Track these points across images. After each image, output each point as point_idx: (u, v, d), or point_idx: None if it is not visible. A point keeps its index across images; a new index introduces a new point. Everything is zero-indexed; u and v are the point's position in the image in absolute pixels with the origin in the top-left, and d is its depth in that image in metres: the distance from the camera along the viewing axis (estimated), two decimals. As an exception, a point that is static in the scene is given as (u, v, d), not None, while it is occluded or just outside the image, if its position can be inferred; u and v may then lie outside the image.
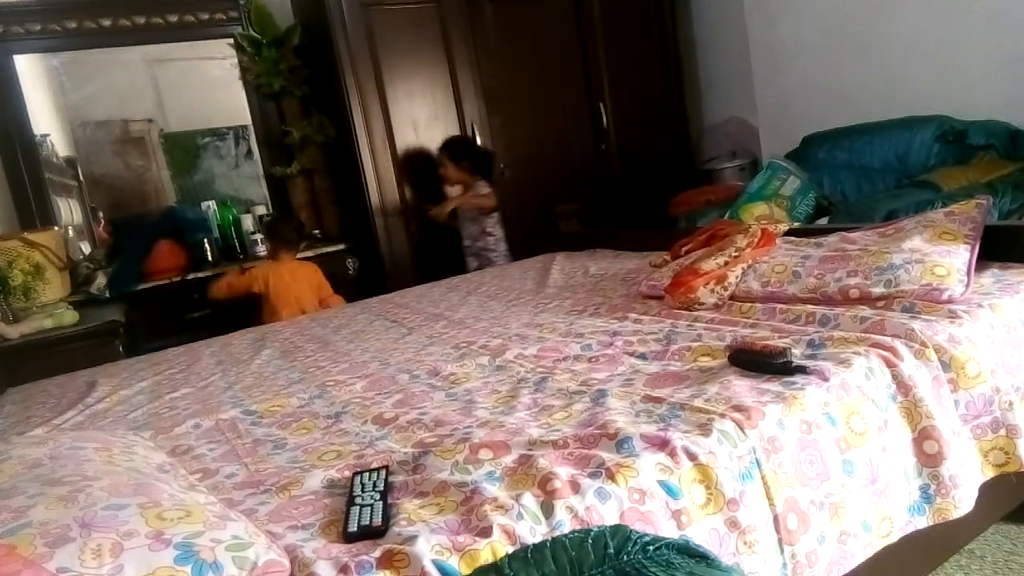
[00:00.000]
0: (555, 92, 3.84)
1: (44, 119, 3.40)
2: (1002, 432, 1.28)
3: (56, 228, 3.15)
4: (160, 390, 1.83)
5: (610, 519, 0.91)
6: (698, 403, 1.14)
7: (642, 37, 4.05)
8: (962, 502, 1.19)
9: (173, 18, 3.54)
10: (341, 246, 3.55)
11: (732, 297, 1.74)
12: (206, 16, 3.59)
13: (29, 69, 3.34)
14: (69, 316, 2.69)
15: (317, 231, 3.66)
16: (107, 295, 3.02)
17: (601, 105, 3.95)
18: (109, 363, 2.34)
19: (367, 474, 1.04)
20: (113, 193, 3.59)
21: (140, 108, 3.65)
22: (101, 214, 3.56)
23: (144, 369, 2.11)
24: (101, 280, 3.05)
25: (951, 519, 1.19)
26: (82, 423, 1.63)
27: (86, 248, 3.44)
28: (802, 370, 1.20)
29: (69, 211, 3.45)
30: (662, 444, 1.02)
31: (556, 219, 3.18)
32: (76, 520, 0.81)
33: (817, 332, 1.40)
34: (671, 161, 4.19)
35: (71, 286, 3.03)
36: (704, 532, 0.96)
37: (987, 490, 1.26)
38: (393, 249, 3.45)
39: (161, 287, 3.16)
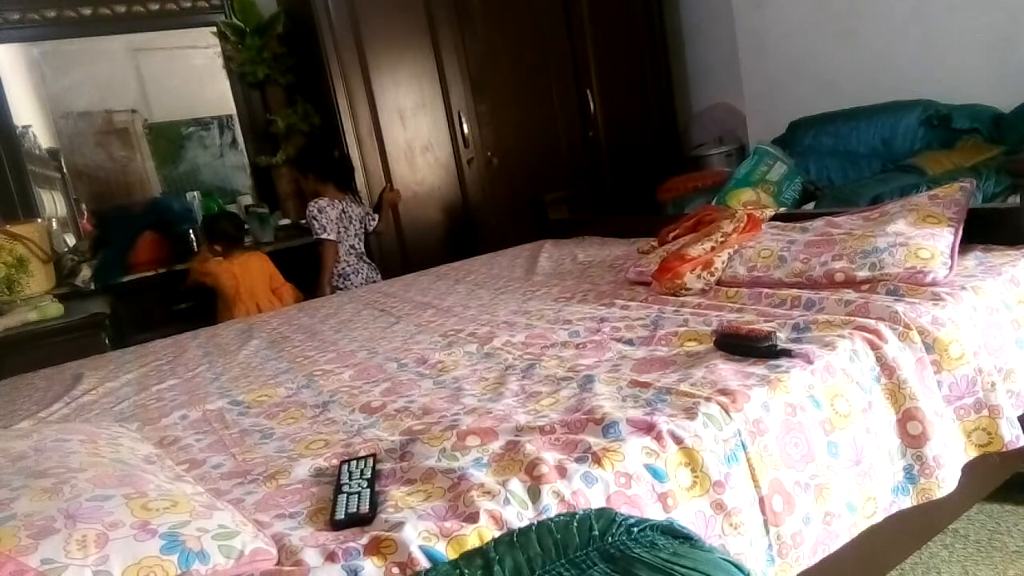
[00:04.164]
0: (542, 79, 3.83)
1: (25, 110, 3.36)
2: (985, 413, 1.29)
3: (39, 220, 3.12)
4: (146, 382, 1.82)
5: (596, 503, 0.92)
6: (684, 387, 1.14)
7: (629, 23, 4.04)
8: (945, 482, 1.20)
9: (155, 6, 3.50)
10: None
11: (718, 282, 1.74)
12: (188, 4, 3.56)
13: (9, 59, 3.30)
14: (54, 309, 2.67)
15: (304, 220, 3.65)
16: (92, 287, 3.00)
17: (588, 92, 3.94)
18: (95, 355, 2.32)
19: (354, 462, 1.04)
20: (97, 184, 3.56)
21: (123, 98, 3.61)
22: (85, 206, 3.53)
23: (130, 361, 2.10)
24: (86, 272, 3.03)
25: (935, 499, 1.20)
26: (68, 416, 1.62)
27: (70, 240, 3.41)
28: (787, 353, 1.21)
29: (52, 203, 3.42)
30: (648, 428, 1.02)
31: (544, 207, 3.18)
32: (61, 512, 0.81)
33: (802, 316, 1.40)
34: (659, 148, 4.19)
35: (55, 279, 3.00)
36: (690, 515, 0.97)
37: (970, 470, 1.28)
38: (381, 238, 3.44)
39: (147, 279, 3.14)
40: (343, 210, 3.14)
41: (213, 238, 3.09)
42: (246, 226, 3.44)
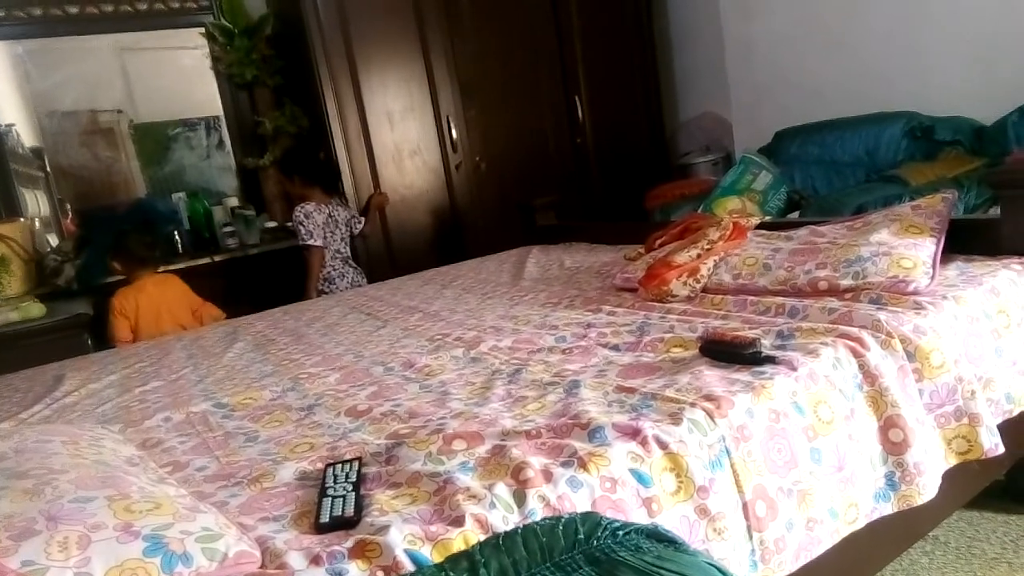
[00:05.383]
0: (531, 85, 3.84)
1: (9, 108, 3.33)
2: (965, 421, 1.31)
3: (22, 220, 3.09)
4: (129, 384, 1.81)
5: (582, 507, 0.92)
6: (669, 393, 1.15)
7: (618, 31, 4.07)
8: (926, 489, 1.22)
9: (143, 6, 3.48)
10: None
11: (704, 289, 1.75)
12: (176, 4, 3.54)
13: (-7, 57, 3.27)
14: (36, 309, 2.64)
15: (290, 223, 3.64)
16: (75, 288, 2.96)
17: (577, 99, 3.96)
18: (77, 356, 2.30)
19: (340, 465, 1.04)
20: (81, 184, 3.52)
21: (109, 98, 3.58)
22: (68, 206, 3.50)
23: (113, 363, 2.08)
24: (69, 273, 2.99)
25: (915, 506, 1.21)
26: (49, 417, 1.61)
27: (53, 240, 3.37)
28: (771, 360, 1.22)
29: (36, 202, 3.38)
30: (633, 433, 1.03)
31: (532, 211, 3.19)
32: (42, 513, 0.80)
33: (786, 323, 1.42)
34: (646, 155, 4.21)
35: (38, 279, 2.97)
36: (674, 519, 0.97)
37: (950, 477, 1.29)
38: (368, 242, 3.43)
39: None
40: (329, 214, 3.14)
41: (116, 255, 2.80)
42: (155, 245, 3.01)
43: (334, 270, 3.16)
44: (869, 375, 1.24)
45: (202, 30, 3.58)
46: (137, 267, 2.82)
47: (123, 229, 2.87)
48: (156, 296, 2.79)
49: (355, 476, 1.00)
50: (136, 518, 0.82)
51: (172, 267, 3.14)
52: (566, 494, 0.92)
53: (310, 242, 3.04)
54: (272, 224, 3.64)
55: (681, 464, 1.01)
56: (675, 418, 1.06)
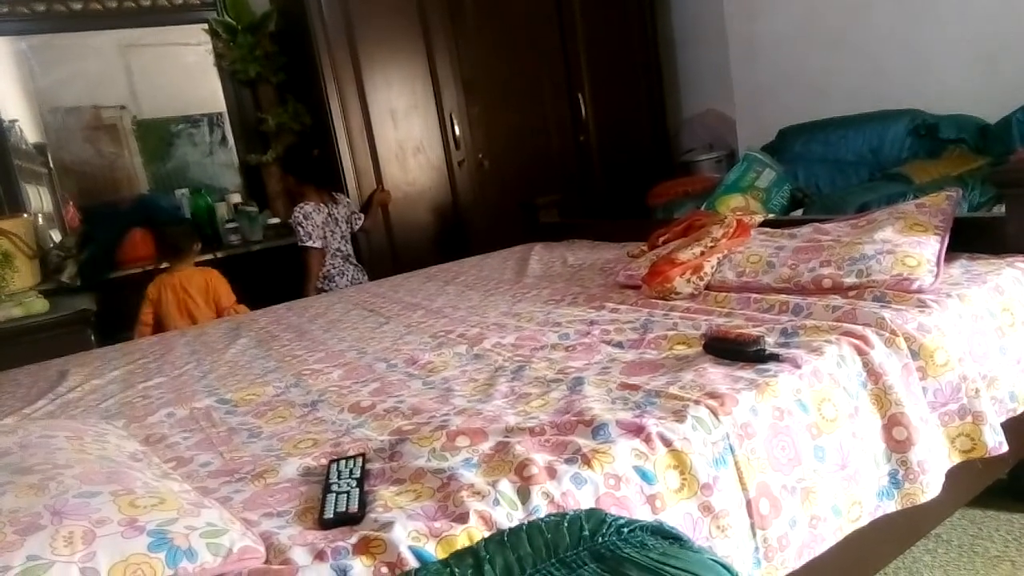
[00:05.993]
0: (535, 83, 3.83)
1: (12, 104, 3.33)
2: (968, 419, 1.31)
3: (25, 215, 3.09)
4: (133, 379, 1.81)
5: (586, 504, 0.92)
6: (673, 390, 1.15)
7: (621, 28, 4.06)
8: (929, 487, 1.22)
9: (146, 2, 3.49)
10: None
11: (708, 287, 1.75)
12: (180, 0, 3.54)
13: (-3, 53, 3.27)
14: (39, 305, 2.65)
15: (291, 220, 3.64)
16: (78, 284, 2.97)
17: (580, 96, 3.96)
18: (81, 352, 2.31)
19: (343, 461, 1.04)
20: (84, 180, 3.53)
21: (112, 94, 3.58)
22: (72, 201, 3.50)
23: (116, 358, 2.09)
24: (72, 268, 3.00)
25: (919, 504, 1.21)
26: (53, 412, 1.61)
27: (56, 236, 3.38)
28: (775, 358, 1.22)
29: (39, 198, 3.38)
30: (637, 430, 1.03)
31: (535, 209, 3.18)
32: (47, 508, 0.80)
33: (790, 321, 1.41)
34: (649, 153, 4.21)
35: (41, 274, 2.97)
36: (678, 517, 0.97)
37: (953, 475, 1.29)
38: (371, 238, 3.43)
39: (133, 276, 3.11)
40: (329, 213, 3.14)
41: (162, 248, 2.94)
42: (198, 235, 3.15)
43: (334, 268, 3.16)
44: (873, 373, 1.23)
45: (205, 26, 3.58)
46: (173, 257, 2.91)
47: (166, 222, 3.04)
48: (178, 290, 2.85)
49: (359, 472, 1.00)
50: (141, 513, 0.82)
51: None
52: (570, 491, 0.92)
53: (308, 243, 3.05)
54: (275, 220, 3.64)
55: (685, 461, 1.00)
56: (679, 415, 1.06)
